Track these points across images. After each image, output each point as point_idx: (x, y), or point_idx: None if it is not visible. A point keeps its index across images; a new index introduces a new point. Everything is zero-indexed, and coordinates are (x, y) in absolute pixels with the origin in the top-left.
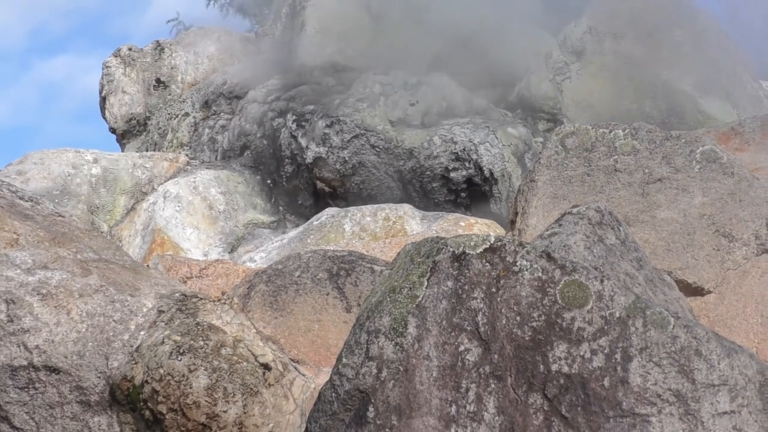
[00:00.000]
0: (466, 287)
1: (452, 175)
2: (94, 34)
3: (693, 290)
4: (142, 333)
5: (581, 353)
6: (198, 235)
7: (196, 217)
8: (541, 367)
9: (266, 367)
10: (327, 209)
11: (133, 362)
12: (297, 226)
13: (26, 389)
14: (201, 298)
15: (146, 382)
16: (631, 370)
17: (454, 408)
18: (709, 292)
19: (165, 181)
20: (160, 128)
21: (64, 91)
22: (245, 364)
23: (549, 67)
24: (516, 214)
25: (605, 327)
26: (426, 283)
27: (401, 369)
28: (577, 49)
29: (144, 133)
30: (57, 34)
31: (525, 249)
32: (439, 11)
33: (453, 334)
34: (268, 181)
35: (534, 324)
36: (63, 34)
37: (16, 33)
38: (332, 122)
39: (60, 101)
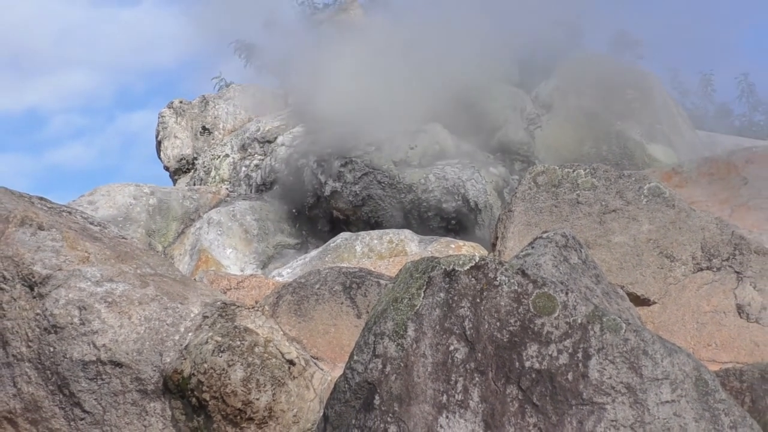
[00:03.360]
0: (456, 298)
1: (444, 206)
2: (169, 92)
3: (641, 301)
4: (189, 334)
5: (549, 352)
6: (236, 254)
7: (234, 239)
8: (517, 363)
9: (291, 362)
10: (341, 233)
11: (183, 358)
12: (317, 247)
13: (95, 380)
14: (238, 306)
15: (193, 374)
16: (590, 367)
17: (445, 397)
18: (654, 302)
19: (209, 210)
20: (205, 167)
21: (141, 139)
22: (274, 360)
23: (523, 119)
24: (497, 238)
25: (569, 331)
26: (422, 295)
27: (402, 365)
28: (546, 104)
29: (192, 171)
30: (138, 94)
31: (504, 267)
32: (435, 73)
33: (444, 336)
34: (294, 210)
35: (511, 328)
36: (143, 93)
37: (105, 93)
38: (346, 162)
39: (137, 147)
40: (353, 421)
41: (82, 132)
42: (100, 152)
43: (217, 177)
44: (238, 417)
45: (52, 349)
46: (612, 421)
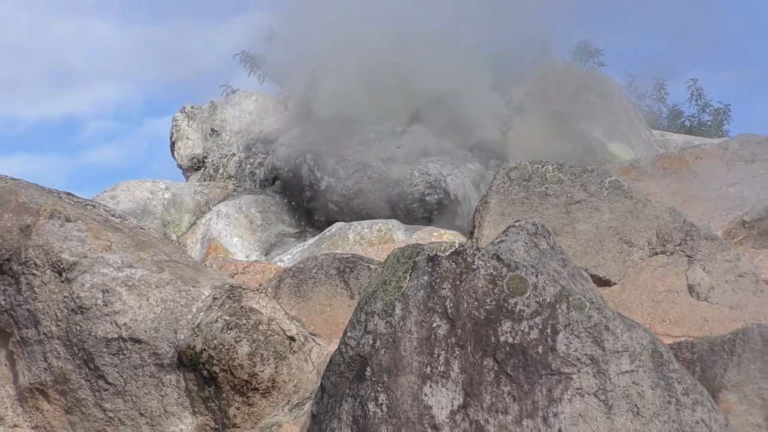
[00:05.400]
0: (438, 280)
1: (427, 198)
2: (190, 100)
3: (603, 282)
4: (201, 314)
5: (522, 328)
6: (242, 242)
7: (240, 229)
8: (493, 338)
9: (292, 338)
10: (336, 223)
11: (195, 335)
12: (314, 236)
13: (117, 355)
14: (244, 289)
15: (204, 349)
16: (558, 341)
17: (429, 368)
18: (615, 283)
19: (218, 203)
20: (214, 165)
21: (165, 142)
22: (276, 336)
23: (498, 120)
24: (474, 226)
25: (539, 309)
26: (408, 278)
27: (390, 340)
28: (518, 107)
29: (202, 169)
30: (164, 102)
31: (481, 252)
32: (418, 80)
33: (428, 314)
34: (293, 203)
35: (487, 307)
36: (168, 101)
37: (134, 101)
38: (339, 160)
39: (162, 148)
40: (347, 391)
41: (114, 136)
42: (129, 153)
43: (224, 174)
44: (245, 387)
45: (78, 328)
46: (577, 389)
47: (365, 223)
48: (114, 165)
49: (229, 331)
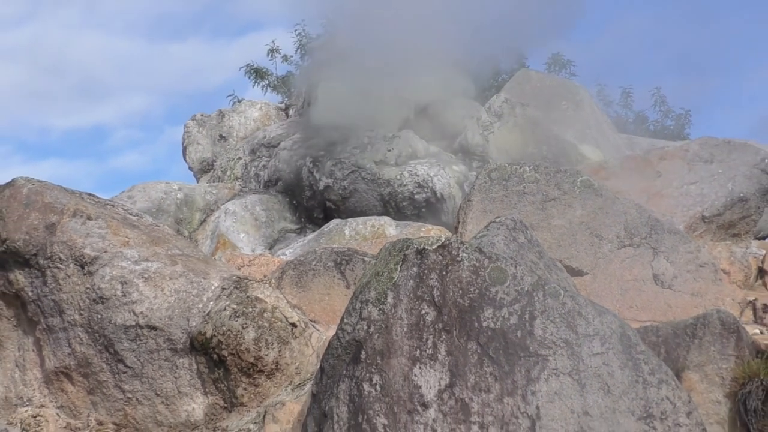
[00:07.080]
0: (426, 271)
1: (416, 197)
2: (205, 109)
3: (575, 272)
4: (211, 303)
5: (502, 315)
6: (248, 238)
7: (246, 226)
8: (476, 324)
9: (293, 325)
10: (333, 220)
11: (205, 322)
12: (313, 231)
13: (134, 341)
14: (250, 280)
15: (214, 335)
16: (535, 326)
17: (418, 351)
18: (586, 273)
19: (225, 202)
20: (222, 167)
21: (181, 147)
22: (279, 323)
23: (479, 126)
24: (458, 222)
25: (518, 297)
26: (399, 269)
27: (383, 326)
28: (497, 113)
29: (211, 171)
30: (183, 111)
31: (465, 245)
32: (408, 90)
33: (417, 302)
34: (294, 202)
35: (471, 295)
36: (188, 112)
37: (157, 112)
38: (336, 162)
39: (180, 154)
40: (344, 372)
41: (138, 143)
42: (152, 159)
43: (231, 175)
44: (251, 369)
45: (99, 316)
46: (553, 369)
47: (360, 219)
48: (138, 169)
49: (236, 319)
